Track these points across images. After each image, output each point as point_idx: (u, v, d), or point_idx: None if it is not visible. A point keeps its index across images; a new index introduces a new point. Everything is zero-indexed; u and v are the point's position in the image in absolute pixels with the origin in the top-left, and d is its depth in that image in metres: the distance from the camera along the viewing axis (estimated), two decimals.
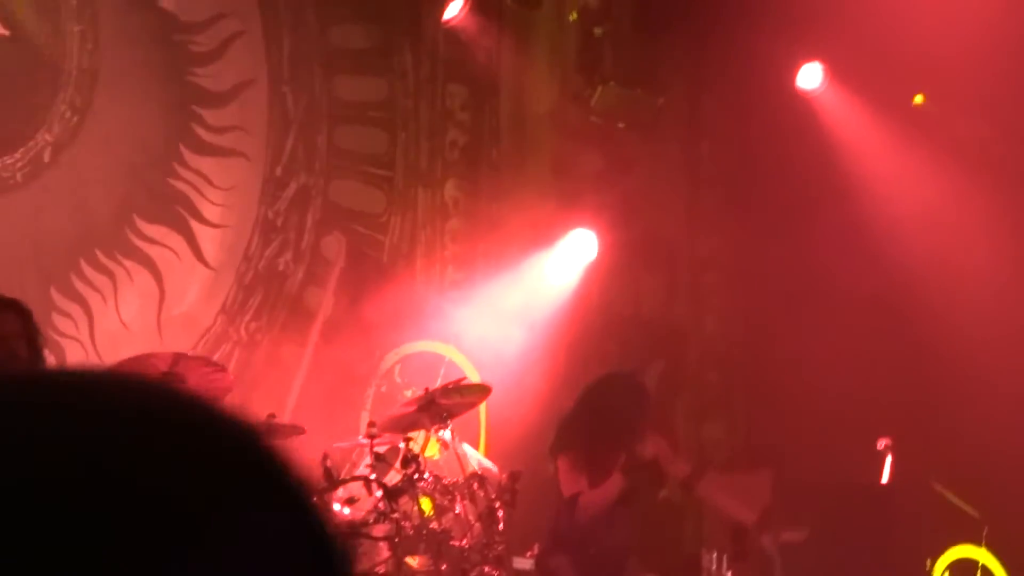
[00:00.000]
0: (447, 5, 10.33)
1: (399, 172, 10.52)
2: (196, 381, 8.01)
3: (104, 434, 1.09)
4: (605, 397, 7.73)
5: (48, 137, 9.03)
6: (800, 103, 10.91)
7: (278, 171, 9.99)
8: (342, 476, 8.20)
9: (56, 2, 9.04)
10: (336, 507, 7.89)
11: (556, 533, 7.67)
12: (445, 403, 8.38)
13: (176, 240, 9.53)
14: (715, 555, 8.61)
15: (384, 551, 7.76)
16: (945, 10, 9.85)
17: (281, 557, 1.09)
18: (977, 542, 8.74)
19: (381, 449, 8.23)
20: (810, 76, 10.93)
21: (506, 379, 10.09)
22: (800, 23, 10.43)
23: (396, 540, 7.66)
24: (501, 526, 7.91)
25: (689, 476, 7.72)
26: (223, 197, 9.72)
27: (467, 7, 10.33)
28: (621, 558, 7.54)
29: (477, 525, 7.93)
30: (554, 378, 10.20)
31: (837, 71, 10.85)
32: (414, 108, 10.60)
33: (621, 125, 11.04)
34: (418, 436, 8.41)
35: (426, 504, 7.93)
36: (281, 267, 9.98)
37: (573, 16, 10.89)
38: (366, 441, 8.25)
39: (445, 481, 8.11)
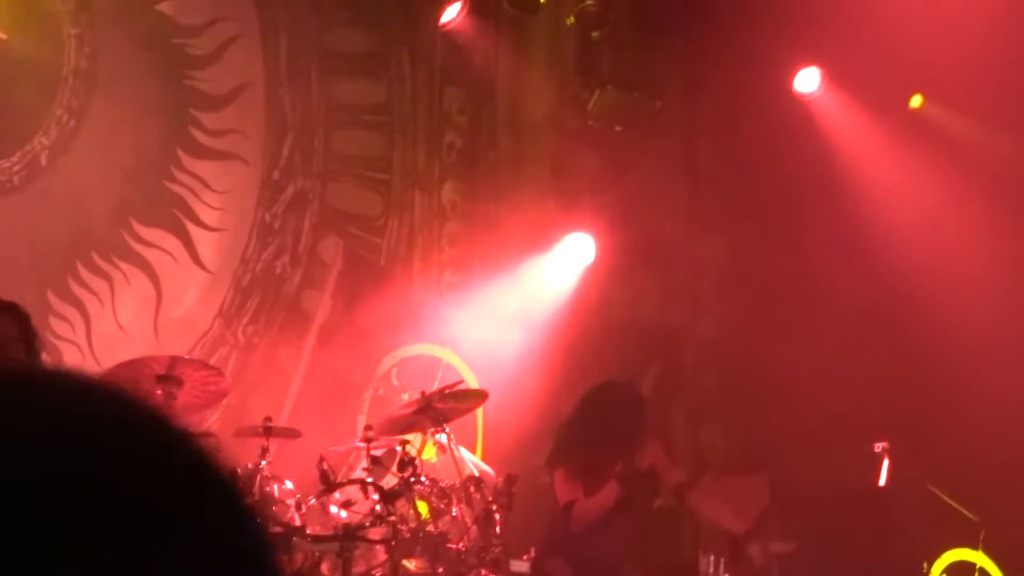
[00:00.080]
0: (444, 9, 10.34)
1: (396, 175, 10.53)
2: (193, 384, 8.02)
3: (93, 440, 1.15)
4: (602, 406, 7.73)
5: (45, 141, 9.03)
6: (798, 107, 10.92)
7: (275, 174, 9.99)
8: (339, 479, 8.20)
9: (53, 6, 9.05)
10: (333, 510, 7.89)
11: (552, 538, 7.67)
12: (442, 407, 8.38)
13: (173, 243, 9.53)
14: (712, 559, 8.61)
15: (381, 554, 7.76)
16: (943, 14, 9.85)
17: (222, 557, 1.18)
18: (974, 545, 8.74)
19: (378, 452, 8.23)
20: (807, 80, 10.93)
21: (503, 382, 10.10)
22: (798, 27, 10.44)
23: (393, 543, 7.65)
24: (498, 529, 7.90)
25: (682, 484, 7.71)
26: (220, 200, 9.72)
27: (464, 10, 10.34)
28: (618, 562, 7.54)
29: (474, 528, 7.92)
30: (551, 381, 10.21)
31: (834, 75, 10.86)
32: (411, 111, 10.61)
33: (619, 128, 11.05)
34: (415, 439, 8.41)
35: (423, 507, 7.92)
36: (278, 270, 9.99)
37: (571, 20, 10.90)
38: (363, 444, 8.25)
39: (442, 484, 8.10)
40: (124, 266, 9.34)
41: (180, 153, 9.57)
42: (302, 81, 10.07)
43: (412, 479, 7.90)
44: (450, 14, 10.36)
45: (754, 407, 11.20)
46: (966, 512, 8.82)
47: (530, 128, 11.08)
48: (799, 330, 10.55)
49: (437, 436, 8.44)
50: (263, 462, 7.83)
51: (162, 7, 9.48)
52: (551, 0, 10.63)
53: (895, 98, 10.63)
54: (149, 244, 9.44)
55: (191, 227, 9.61)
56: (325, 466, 7.80)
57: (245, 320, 9.79)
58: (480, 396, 9.12)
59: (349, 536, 7.35)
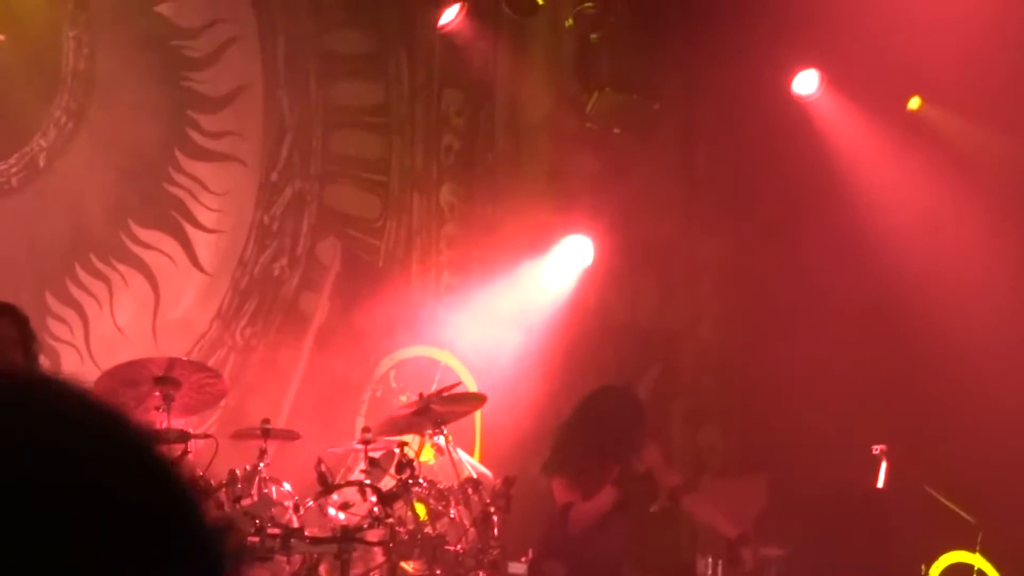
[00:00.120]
0: (443, 10, 10.34)
1: (394, 177, 10.53)
2: (191, 386, 8.02)
3: (85, 445, 1.20)
4: (600, 410, 7.72)
5: (43, 142, 9.03)
6: (796, 109, 10.92)
7: (274, 176, 9.99)
8: (337, 481, 8.20)
9: (52, 7, 9.05)
10: (331, 512, 7.89)
11: (549, 541, 7.67)
12: (440, 409, 8.39)
13: (171, 245, 9.53)
14: (710, 561, 8.62)
15: (379, 556, 7.76)
16: (941, 16, 9.85)
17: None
18: (971, 548, 8.74)
19: (376, 454, 8.24)
20: (806, 82, 10.93)
21: (501, 384, 10.10)
22: (796, 29, 10.44)
23: (391, 545, 7.65)
24: (496, 531, 7.91)
25: (677, 487, 7.71)
26: (218, 202, 9.72)
27: (462, 12, 10.33)
28: (616, 565, 7.54)
29: (472, 530, 7.93)
30: (550, 383, 10.20)
31: (833, 77, 10.86)
32: (410, 113, 10.61)
33: (617, 130, 11.05)
34: (413, 441, 8.41)
35: (421, 509, 7.92)
36: (277, 272, 9.99)
37: (569, 22, 10.89)
38: (361, 446, 8.25)
39: (440, 486, 8.11)
40: (122, 268, 9.34)
41: (178, 155, 9.57)
42: (300, 83, 10.07)
43: (410, 481, 7.90)
44: (448, 16, 10.36)
45: (753, 409, 11.20)
46: (964, 514, 8.82)
47: (528, 130, 11.08)
48: (797, 332, 10.55)
49: (435, 438, 8.44)
50: (261, 464, 7.83)
51: (160, 9, 9.48)
52: (550, 2, 10.62)
53: (893, 100, 10.63)
54: (147, 246, 9.44)
55: (189, 229, 9.61)
56: (323, 468, 7.80)
57: (243, 322, 9.79)
58: (478, 400, 9.12)
59: (347, 538, 7.35)
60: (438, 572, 7.78)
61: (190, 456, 7.69)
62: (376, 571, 7.76)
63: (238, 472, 7.61)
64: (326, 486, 7.84)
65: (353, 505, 7.91)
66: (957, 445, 9.66)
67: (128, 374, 7.91)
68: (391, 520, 7.68)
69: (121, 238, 9.33)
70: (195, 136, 9.63)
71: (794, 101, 10.93)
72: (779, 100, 10.90)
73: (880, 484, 9.05)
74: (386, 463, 8.19)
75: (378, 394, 10.18)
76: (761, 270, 11.01)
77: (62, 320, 9.07)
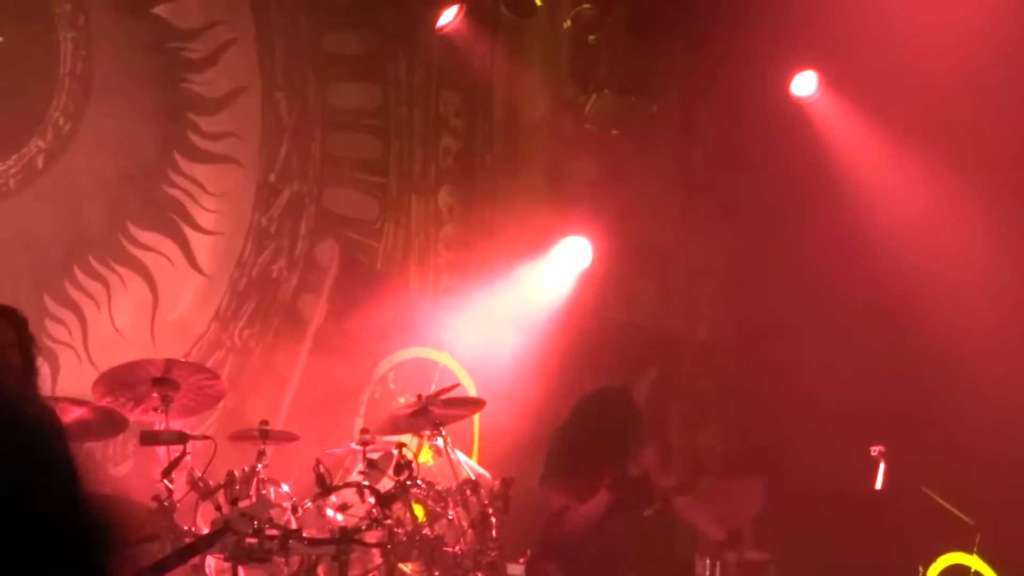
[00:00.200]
0: (441, 12, 10.34)
1: (393, 179, 10.53)
2: (189, 387, 8.02)
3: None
4: (596, 414, 7.72)
5: (41, 144, 9.04)
6: (794, 111, 10.92)
7: (272, 178, 10.00)
8: (335, 482, 8.21)
9: (49, 9, 9.05)
10: (329, 513, 7.90)
11: (546, 542, 7.67)
12: (438, 412, 8.39)
13: (170, 247, 9.53)
14: (708, 562, 8.62)
15: (377, 557, 7.76)
16: (940, 18, 9.86)
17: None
18: (969, 549, 8.74)
19: (374, 455, 8.24)
20: (804, 84, 10.94)
21: (500, 386, 10.11)
22: (795, 31, 10.44)
23: (389, 546, 7.66)
24: (494, 532, 7.91)
25: (669, 489, 7.71)
26: (217, 204, 9.72)
27: (461, 14, 10.34)
28: (613, 566, 7.54)
29: (470, 531, 7.93)
30: (548, 385, 10.20)
31: (831, 78, 10.86)
32: (408, 115, 10.61)
33: (615, 132, 11.05)
34: (411, 443, 8.41)
35: (419, 510, 7.93)
36: (275, 274, 9.99)
37: (567, 24, 10.90)
38: (359, 448, 8.26)
39: (438, 488, 8.11)
40: (121, 270, 9.35)
41: (176, 156, 9.57)
42: (298, 84, 10.08)
43: (408, 482, 7.91)
44: (446, 18, 10.36)
45: (751, 410, 11.20)
46: (961, 515, 8.82)
47: (527, 132, 11.08)
48: (795, 334, 10.55)
49: (434, 440, 8.45)
50: (259, 465, 7.83)
51: (158, 10, 9.48)
52: (548, 4, 10.62)
53: (892, 101, 10.63)
54: (145, 248, 9.44)
55: (187, 231, 9.61)
56: (321, 469, 7.80)
57: (241, 323, 9.80)
58: (477, 404, 9.12)
59: (345, 539, 7.35)
60: (436, 573, 7.79)
61: (188, 457, 7.70)
62: (374, 572, 7.76)
63: (236, 473, 7.61)
64: (324, 487, 7.84)
65: (351, 506, 7.91)
66: (955, 446, 9.67)
67: (126, 375, 7.91)
68: (389, 521, 7.68)
69: (119, 240, 9.33)
70: (193, 138, 9.63)
71: (793, 103, 10.93)
72: (778, 101, 10.90)
73: (878, 485, 9.05)
74: (384, 464, 8.19)
75: (377, 396, 10.18)
76: (759, 272, 11.01)
77: (60, 322, 9.07)
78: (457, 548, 7.87)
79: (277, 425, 8.62)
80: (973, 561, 8.73)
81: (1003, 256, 9.97)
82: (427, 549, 7.78)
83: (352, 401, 10.05)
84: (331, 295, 10.13)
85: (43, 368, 5.92)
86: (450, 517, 7.99)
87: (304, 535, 7.43)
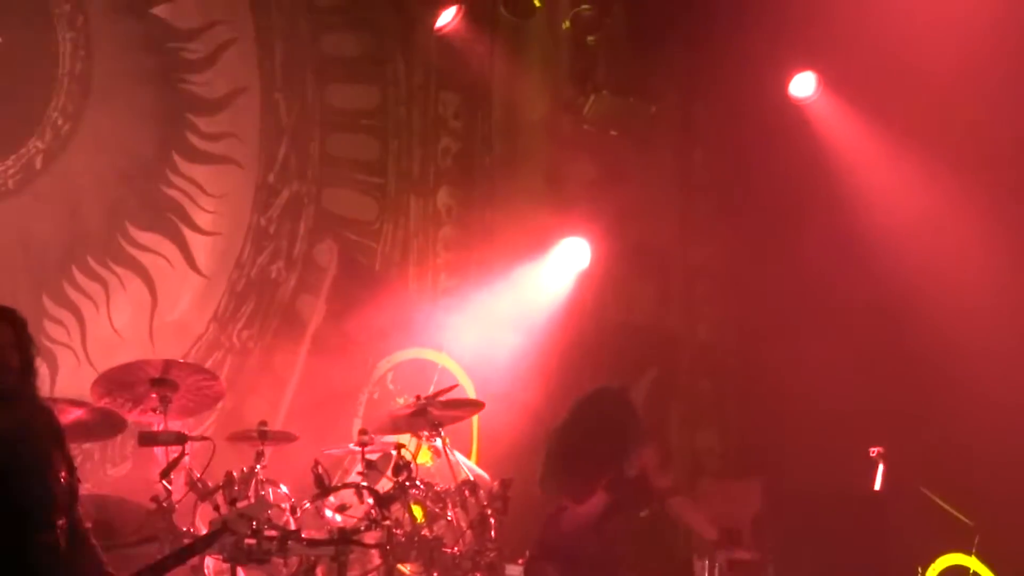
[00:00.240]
0: (440, 13, 10.33)
1: (391, 180, 10.53)
2: (188, 388, 8.02)
3: None
4: (592, 415, 7.72)
5: (40, 144, 9.03)
6: (793, 112, 10.91)
7: (271, 178, 10.00)
8: (334, 483, 8.20)
9: (48, 9, 9.04)
10: (328, 514, 7.89)
11: (544, 543, 7.67)
12: (437, 413, 8.39)
13: (168, 247, 9.53)
14: (707, 562, 8.61)
15: (376, 558, 7.76)
16: (939, 19, 9.86)
17: None
18: (968, 550, 8.74)
19: (373, 456, 8.24)
20: (803, 85, 10.93)
21: (498, 386, 10.11)
22: (793, 32, 10.44)
23: (388, 547, 7.65)
24: (493, 533, 7.91)
25: (664, 489, 7.70)
26: (215, 204, 9.72)
27: (459, 15, 10.33)
28: (611, 566, 7.53)
29: (469, 532, 7.93)
30: (547, 385, 10.20)
31: (830, 79, 10.86)
32: (407, 116, 10.61)
33: (614, 133, 11.05)
34: (410, 444, 8.41)
35: (418, 511, 7.93)
36: (273, 274, 9.99)
37: (566, 25, 10.89)
38: (357, 448, 8.25)
39: (437, 488, 8.11)
40: (119, 270, 9.35)
41: (175, 157, 9.57)
42: (297, 85, 10.07)
43: (407, 483, 7.91)
44: (445, 19, 10.36)
45: (750, 411, 11.20)
46: (961, 516, 8.82)
47: (525, 133, 11.08)
48: (795, 334, 10.55)
49: (433, 441, 8.44)
50: (258, 466, 7.83)
51: (157, 11, 9.48)
52: (547, 5, 10.62)
53: (891, 102, 10.63)
54: (144, 248, 9.44)
55: (186, 231, 9.61)
56: (320, 470, 7.80)
57: (240, 324, 9.79)
58: (475, 405, 9.12)
59: (344, 540, 7.34)
60: (435, 574, 7.78)
61: (187, 458, 7.70)
62: (373, 573, 7.76)
63: (235, 474, 7.61)
64: (323, 488, 7.84)
65: (350, 507, 7.91)
66: (954, 447, 9.67)
67: (125, 376, 7.91)
68: (388, 522, 7.68)
69: (118, 240, 9.33)
70: (192, 138, 9.63)
71: (792, 103, 10.93)
72: (777, 102, 10.89)
73: (877, 486, 9.04)
74: (383, 465, 8.19)
75: (375, 396, 10.18)
76: (758, 273, 11.01)
77: (59, 322, 9.07)
78: (456, 549, 7.87)
79: (276, 426, 8.62)
80: (972, 562, 8.73)
81: (1002, 256, 9.97)
82: (426, 550, 7.78)
83: (351, 402, 10.05)
84: (330, 296, 10.13)
85: (42, 369, 5.91)
86: (449, 518, 7.99)
87: (303, 536, 7.42)
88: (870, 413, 10.00)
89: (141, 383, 7.90)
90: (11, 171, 8.93)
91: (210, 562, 7.56)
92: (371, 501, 7.78)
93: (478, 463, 9.51)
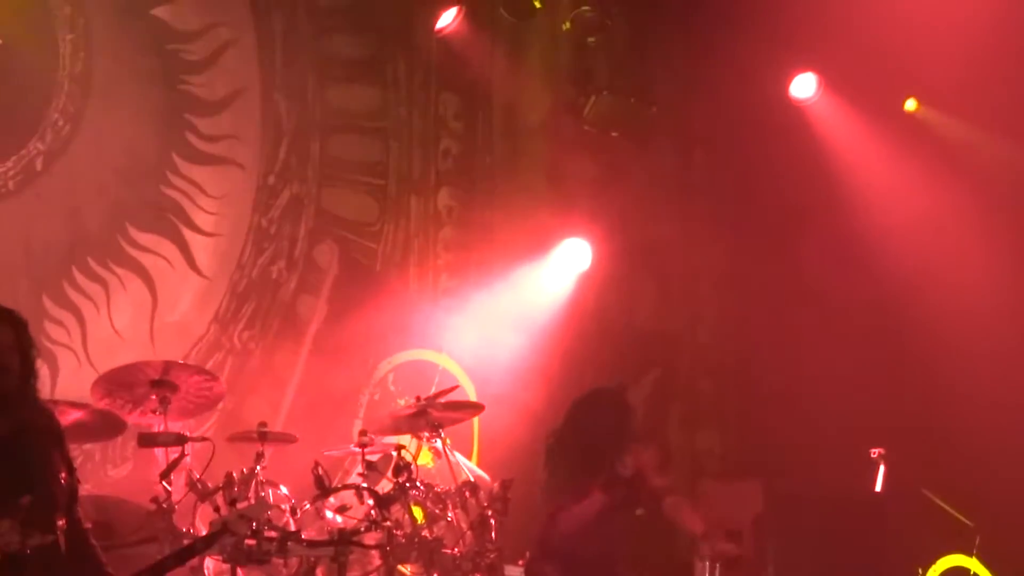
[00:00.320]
0: (440, 14, 10.33)
1: (392, 180, 10.53)
2: (188, 389, 8.02)
3: None
4: (585, 415, 7.71)
5: (40, 145, 9.03)
6: (793, 112, 10.92)
7: (271, 179, 10.00)
8: (334, 484, 8.20)
9: (48, 11, 9.05)
10: (328, 515, 7.89)
11: (543, 543, 7.66)
12: (437, 414, 8.39)
13: (169, 248, 9.53)
14: (707, 563, 8.60)
15: (376, 559, 7.76)
16: (939, 19, 9.86)
17: None
18: (968, 551, 8.74)
19: (373, 457, 8.24)
20: (804, 85, 10.94)
21: (499, 387, 10.11)
22: (794, 33, 10.44)
23: (388, 548, 7.65)
24: (493, 534, 7.91)
25: (659, 489, 7.69)
26: (216, 205, 9.72)
27: (460, 16, 10.33)
28: (610, 567, 7.53)
29: (469, 533, 7.93)
30: (548, 386, 10.19)
31: (831, 80, 10.86)
32: (407, 117, 10.61)
33: (615, 134, 11.05)
34: (410, 445, 8.41)
35: (418, 512, 7.92)
36: (274, 275, 9.99)
37: (566, 25, 10.89)
38: (358, 449, 8.25)
39: (437, 489, 8.11)
40: (120, 271, 9.35)
41: (176, 158, 9.57)
42: (298, 86, 10.07)
43: (407, 484, 7.91)
44: (446, 20, 10.36)
45: (750, 412, 11.20)
46: (961, 517, 8.82)
47: (526, 133, 11.08)
48: (795, 335, 10.55)
49: (433, 442, 8.44)
50: (258, 467, 7.83)
51: (158, 12, 9.48)
52: (547, 6, 10.62)
53: (892, 103, 10.63)
54: (145, 249, 9.44)
55: (187, 232, 9.61)
56: (320, 471, 7.80)
57: (241, 325, 9.79)
58: (475, 407, 9.12)
59: (344, 541, 7.34)
60: (435, 575, 7.78)
61: (187, 459, 7.70)
62: (373, 574, 7.76)
63: (235, 475, 7.61)
64: (323, 489, 7.84)
65: (350, 508, 7.91)
66: (955, 449, 9.67)
67: (125, 377, 7.91)
68: (388, 523, 7.68)
69: (118, 241, 9.33)
70: (192, 139, 9.63)
71: (792, 104, 10.93)
72: (777, 103, 10.90)
73: (878, 487, 9.04)
74: (383, 466, 8.19)
75: (376, 397, 10.18)
76: (759, 273, 11.01)
77: (59, 323, 9.07)
78: (456, 550, 7.86)
79: (276, 427, 8.63)
80: (972, 563, 8.73)
81: (1002, 258, 9.97)
82: (426, 551, 7.78)
83: (351, 403, 10.05)
84: (330, 297, 10.13)
85: (42, 370, 5.91)
86: (449, 519, 7.99)
87: (303, 537, 7.42)
88: (871, 414, 10.00)
89: (141, 384, 7.91)
90: (12, 172, 8.93)
91: (210, 563, 7.57)
92: (371, 502, 7.78)
93: (479, 464, 9.51)
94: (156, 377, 7.90)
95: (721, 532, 7.91)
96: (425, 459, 8.66)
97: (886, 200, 10.42)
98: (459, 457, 8.64)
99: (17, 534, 5.31)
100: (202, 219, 9.67)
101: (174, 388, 7.93)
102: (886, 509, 9.02)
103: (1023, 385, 9.68)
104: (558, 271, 10.86)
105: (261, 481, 7.80)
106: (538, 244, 10.80)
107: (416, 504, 7.95)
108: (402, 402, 9.69)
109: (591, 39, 10.91)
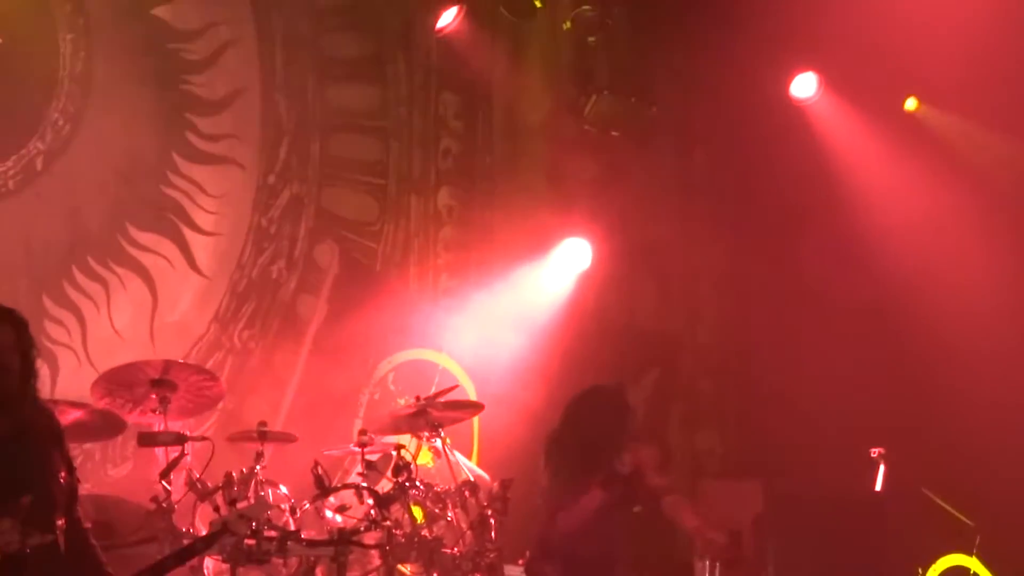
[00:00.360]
0: (440, 13, 10.33)
1: (392, 180, 10.53)
2: (187, 388, 8.02)
3: None
4: (582, 412, 7.71)
5: (40, 145, 9.03)
6: (794, 112, 10.92)
7: (271, 179, 10.00)
8: (334, 484, 8.20)
9: (49, 10, 9.05)
10: (328, 514, 7.89)
11: (542, 543, 7.67)
12: (437, 414, 8.39)
13: (169, 248, 9.53)
14: (707, 563, 8.60)
15: (375, 559, 7.75)
16: (940, 19, 9.86)
17: None
18: (969, 551, 8.74)
19: (373, 457, 8.24)
20: (804, 85, 10.94)
21: (499, 387, 10.11)
22: (794, 32, 10.44)
23: (387, 548, 7.65)
24: (493, 534, 7.90)
25: (658, 488, 7.69)
26: (216, 205, 9.72)
27: (460, 16, 10.33)
28: (609, 566, 7.53)
29: (469, 533, 7.92)
30: (548, 386, 10.19)
31: (831, 80, 10.86)
32: (407, 116, 10.61)
33: (615, 134, 11.05)
34: (410, 444, 8.41)
35: (418, 512, 7.92)
36: (274, 275, 9.99)
37: (567, 25, 10.89)
38: (357, 449, 8.25)
39: (437, 489, 8.10)
40: (120, 271, 9.35)
41: (176, 157, 9.57)
42: (298, 86, 10.07)
43: (407, 484, 7.90)
44: (446, 19, 10.36)
45: (751, 412, 11.20)
46: (961, 517, 8.82)
47: (526, 133, 11.08)
48: (796, 335, 10.55)
49: (433, 441, 8.44)
50: (258, 466, 7.83)
51: (158, 11, 9.48)
52: (548, 5, 10.62)
53: (892, 103, 10.63)
54: (145, 249, 9.44)
55: (187, 232, 9.61)
56: (320, 471, 7.80)
57: (241, 325, 9.80)
58: (475, 407, 9.11)
59: (344, 540, 7.34)
60: (435, 575, 7.78)
61: (187, 458, 7.69)
62: (373, 574, 7.76)
63: (235, 475, 7.60)
64: (323, 489, 7.84)
65: (350, 508, 7.90)
66: (955, 448, 9.67)
67: (124, 377, 7.91)
68: (388, 523, 7.68)
69: (119, 241, 9.33)
70: (193, 139, 9.63)
71: (792, 104, 10.93)
72: (777, 103, 10.90)
73: (878, 487, 9.04)
74: (383, 466, 8.18)
75: (376, 397, 10.18)
76: (759, 273, 11.01)
77: (59, 323, 9.07)
78: (456, 550, 7.86)
79: (276, 426, 8.62)
80: (972, 563, 8.73)
81: (1003, 257, 9.97)
82: (426, 551, 7.77)
83: (351, 402, 10.05)
84: (330, 296, 10.13)
85: (43, 369, 5.91)
86: (449, 519, 7.99)
87: (302, 536, 7.42)
88: (871, 414, 10.00)
89: (141, 384, 7.90)
90: (12, 172, 8.93)
91: (209, 563, 7.56)
92: (371, 502, 7.78)
93: (479, 464, 9.51)
94: (156, 376, 7.90)
95: (712, 522, 7.90)
96: (425, 459, 8.66)
97: (886, 200, 10.42)
98: (459, 457, 8.64)
99: (17, 533, 5.31)
100: (202, 218, 9.67)
101: (174, 387, 7.93)
102: (886, 509, 9.01)
103: (1023, 385, 9.68)
104: (558, 271, 10.86)
105: (261, 481, 7.80)
106: (538, 244, 10.80)
107: (416, 504, 7.94)
108: (402, 402, 9.69)
109: (592, 39, 10.91)
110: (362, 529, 7.62)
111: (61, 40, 9.09)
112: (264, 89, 9.94)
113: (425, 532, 7.84)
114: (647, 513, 7.66)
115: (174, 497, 7.57)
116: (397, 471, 7.92)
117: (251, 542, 6.96)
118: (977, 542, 8.75)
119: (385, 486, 8.03)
